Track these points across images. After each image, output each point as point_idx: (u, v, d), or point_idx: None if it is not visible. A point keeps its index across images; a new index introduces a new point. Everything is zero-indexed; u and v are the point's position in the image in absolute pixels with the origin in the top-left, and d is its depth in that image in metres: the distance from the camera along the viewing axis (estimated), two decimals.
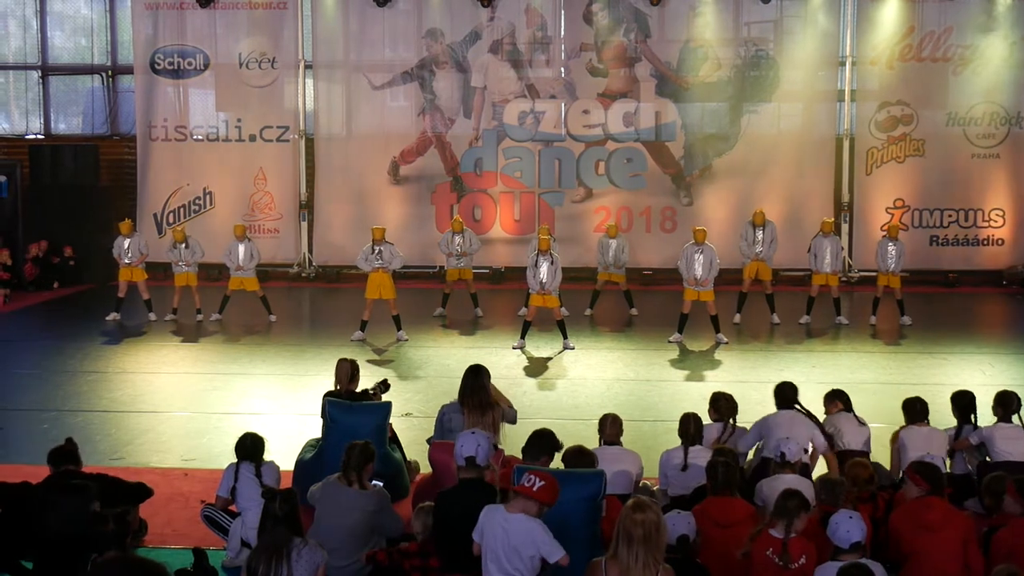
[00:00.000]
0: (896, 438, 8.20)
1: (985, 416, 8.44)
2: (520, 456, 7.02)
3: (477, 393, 8.01)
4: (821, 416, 8.51)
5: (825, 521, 5.85)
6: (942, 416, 8.69)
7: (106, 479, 7.12)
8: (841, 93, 20.40)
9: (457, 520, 5.98)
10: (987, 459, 8.08)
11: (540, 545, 5.60)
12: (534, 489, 5.62)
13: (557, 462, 6.98)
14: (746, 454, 8.22)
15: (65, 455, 7.11)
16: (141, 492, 7.35)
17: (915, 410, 8.19)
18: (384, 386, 9.11)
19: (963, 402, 8.44)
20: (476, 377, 8.09)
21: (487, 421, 7.82)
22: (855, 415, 8.47)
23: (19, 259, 19.62)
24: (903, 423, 8.25)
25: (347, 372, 8.90)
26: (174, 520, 7.93)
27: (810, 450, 8.05)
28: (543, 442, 6.89)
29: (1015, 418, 8.24)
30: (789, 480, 6.78)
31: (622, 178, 20.57)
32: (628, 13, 20.29)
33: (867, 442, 8.27)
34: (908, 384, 11.72)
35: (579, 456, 6.94)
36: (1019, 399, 8.29)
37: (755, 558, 5.90)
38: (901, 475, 7.39)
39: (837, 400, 8.69)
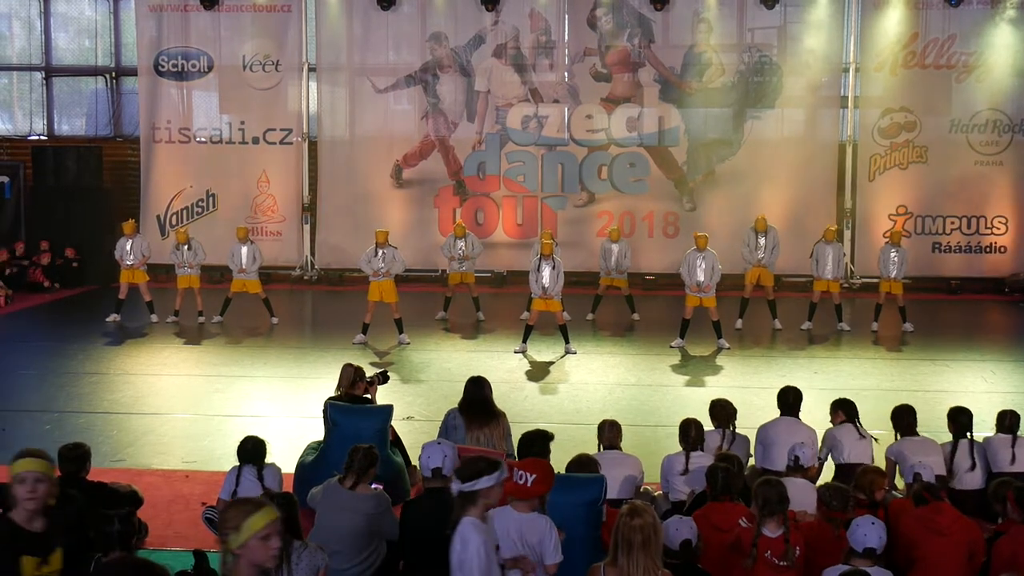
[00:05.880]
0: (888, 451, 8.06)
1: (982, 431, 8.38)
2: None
3: (479, 404, 7.99)
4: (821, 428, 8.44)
5: (828, 526, 5.82)
6: (942, 424, 8.67)
7: (101, 488, 7.11)
8: (844, 99, 20.42)
9: (423, 530, 5.98)
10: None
11: (544, 543, 5.56)
12: (528, 486, 5.52)
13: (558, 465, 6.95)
14: (746, 461, 8.18)
15: (72, 459, 7.12)
16: (133, 500, 7.34)
17: (904, 422, 8.11)
18: (383, 377, 9.21)
19: (961, 419, 8.24)
20: (478, 388, 8.09)
21: (496, 433, 7.79)
22: (856, 427, 8.21)
23: (21, 260, 19.62)
24: (896, 432, 8.15)
25: (349, 376, 8.96)
26: (175, 522, 7.94)
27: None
28: (534, 445, 6.83)
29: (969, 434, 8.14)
30: (799, 485, 6.73)
31: (625, 183, 20.58)
32: (632, 18, 20.32)
33: (870, 456, 8.02)
34: (910, 391, 11.69)
35: (582, 466, 6.85)
36: (970, 416, 8.18)
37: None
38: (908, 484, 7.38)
39: (840, 410, 8.35)
